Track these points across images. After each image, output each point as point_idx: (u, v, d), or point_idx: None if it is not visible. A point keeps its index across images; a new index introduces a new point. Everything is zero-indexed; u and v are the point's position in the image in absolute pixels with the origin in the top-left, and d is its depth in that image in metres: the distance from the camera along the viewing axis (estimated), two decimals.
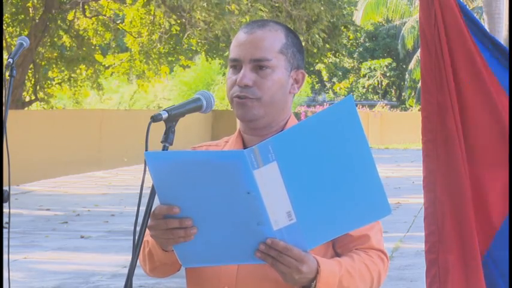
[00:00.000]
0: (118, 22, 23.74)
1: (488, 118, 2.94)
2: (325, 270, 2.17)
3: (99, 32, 23.63)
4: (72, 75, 24.73)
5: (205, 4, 17.78)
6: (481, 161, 2.94)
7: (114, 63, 24.97)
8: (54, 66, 24.21)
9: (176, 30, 21.73)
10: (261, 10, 18.61)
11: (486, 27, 11.33)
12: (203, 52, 24.23)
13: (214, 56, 24.46)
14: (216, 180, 2.07)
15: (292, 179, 2.07)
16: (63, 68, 24.22)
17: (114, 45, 23.73)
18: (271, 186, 2.06)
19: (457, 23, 2.95)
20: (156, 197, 2.16)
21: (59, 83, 24.94)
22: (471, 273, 2.91)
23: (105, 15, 22.91)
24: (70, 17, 22.52)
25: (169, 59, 24.70)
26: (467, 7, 3.00)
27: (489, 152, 2.94)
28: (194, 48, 23.98)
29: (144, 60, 24.01)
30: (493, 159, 2.93)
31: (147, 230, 2.20)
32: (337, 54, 24.78)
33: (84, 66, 24.19)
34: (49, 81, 24.72)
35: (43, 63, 23.34)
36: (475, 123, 2.95)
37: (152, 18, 22.21)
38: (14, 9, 21.49)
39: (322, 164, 2.07)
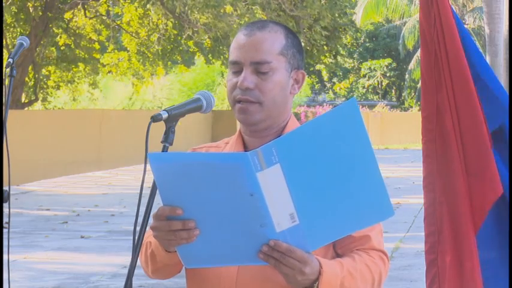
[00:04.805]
0: (117, 21, 23.73)
1: (469, 122, 2.93)
2: (327, 272, 2.17)
3: (96, 29, 23.61)
4: (69, 75, 24.70)
5: (203, 6, 17.77)
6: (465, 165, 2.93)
7: (112, 62, 24.93)
8: (54, 66, 24.19)
9: (175, 31, 21.71)
10: (258, 13, 18.60)
11: (486, 27, 11.33)
12: (198, 54, 24.17)
13: (215, 57, 24.45)
14: (219, 182, 2.06)
15: (296, 181, 2.06)
16: (60, 73, 24.19)
17: (113, 42, 23.69)
18: (274, 188, 2.06)
19: (451, 25, 2.95)
20: (157, 197, 2.15)
21: (54, 86, 24.90)
22: (466, 274, 2.91)
23: (104, 15, 22.90)
24: (68, 15, 22.49)
25: (167, 60, 24.64)
26: (461, 21, 3.01)
27: (469, 158, 2.92)
28: (192, 50, 23.94)
29: (141, 61, 23.99)
30: (469, 167, 2.92)
31: (149, 230, 2.20)
32: (338, 54, 24.73)
33: (83, 64, 24.17)
34: (49, 82, 24.71)
35: (40, 61, 23.32)
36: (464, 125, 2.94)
37: (150, 18, 22.19)
38: (14, 9, 21.48)
39: (326, 166, 2.07)
